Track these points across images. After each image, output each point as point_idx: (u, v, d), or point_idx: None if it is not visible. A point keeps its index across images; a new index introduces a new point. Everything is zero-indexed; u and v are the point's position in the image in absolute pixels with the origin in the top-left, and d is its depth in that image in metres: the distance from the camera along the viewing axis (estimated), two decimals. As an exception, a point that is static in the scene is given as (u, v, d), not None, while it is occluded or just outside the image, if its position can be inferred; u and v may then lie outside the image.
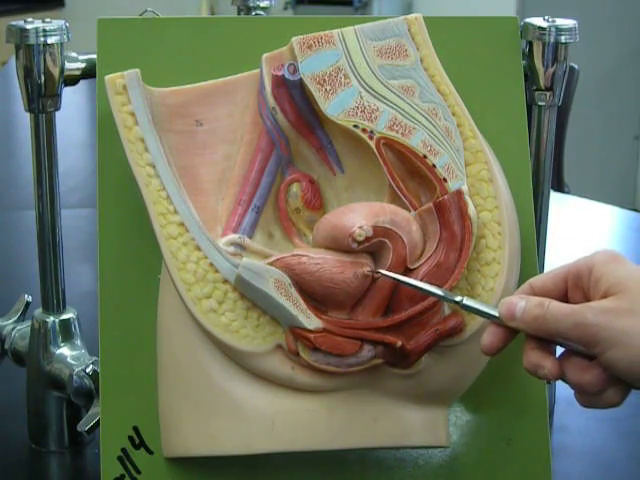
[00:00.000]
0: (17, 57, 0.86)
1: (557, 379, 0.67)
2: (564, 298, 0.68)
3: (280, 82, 0.80)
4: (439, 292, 0.73)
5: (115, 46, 0.83)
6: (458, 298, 0.71)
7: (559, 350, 0.68)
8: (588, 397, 0.66)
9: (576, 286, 0.68)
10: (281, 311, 0.76)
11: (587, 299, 0.67)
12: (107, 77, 0.78)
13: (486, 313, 0.70)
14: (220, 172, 0.81)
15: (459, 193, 0.78)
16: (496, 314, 0.69)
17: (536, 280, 0.70)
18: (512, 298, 0.68)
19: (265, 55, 0.80)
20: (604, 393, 0.66)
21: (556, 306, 0.66)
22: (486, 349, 0.69)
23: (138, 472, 0.81)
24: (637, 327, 0.63)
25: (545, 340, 0.67)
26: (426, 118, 0.79)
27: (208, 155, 0.80)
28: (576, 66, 2.28)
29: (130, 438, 0.81)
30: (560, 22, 0.90)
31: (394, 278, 0.75)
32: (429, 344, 0.77)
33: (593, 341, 0.64)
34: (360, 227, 0.76)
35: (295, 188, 0.81)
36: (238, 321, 0.77)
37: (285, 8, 4.30)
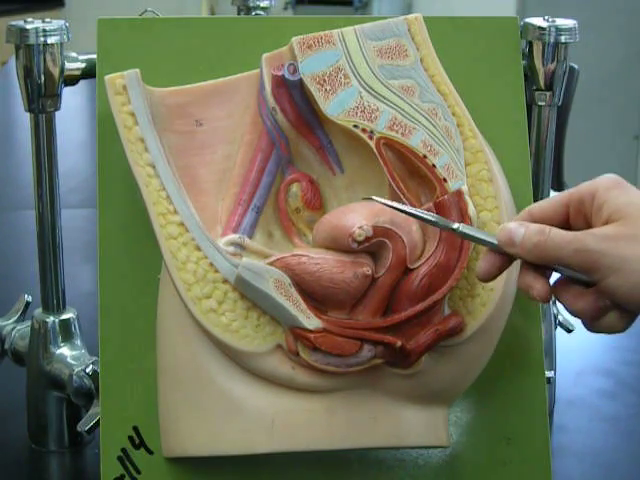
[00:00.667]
0: (17, 57, 0.86)
1: (545, 302, 0.68)
2: (564, 225, 0.68)
3: (280, 82, 0.80)
4: (433, 218, 0.71)
5: (115, 46, 0.83)
6: (455, 225, 0.70)
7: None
8: (589, 322, 0.67)
9: (578, 212, 0.68)
10: (281, 311, 0.76)
11: (589, 226, 0.67)
12: (107, 77, 0.78)
13: (483, 240, 0.69)
14: (220, 172, 0.81)
15: (459, 193, 0.78)
16: (494, 241, 0.68)
17: (534, 207, 0.69)
18: (511, 225, 0.68)
19: (265, 55, 0.80)
20: (603, 319, 0.66)
21: (557, 233, 0.66)
22: (481, 275, 0.69)
23: (138, 472, 0.81)
24: (638, 254, 0.63)
25: (542, 266, 0.67)
26: (426, 118, 0.79)
27: (208, 155, 0.80)
28: (576, 66, 2.28)
29: (130, 438, 0.81)
30: (560, 22, 0.90)
31: (386, 204, 0.73)
32: (429, 344, 0.77)
33: (594, 268, 0.64)
34: (360, 227, 0.76)
35: (295, 188, 0.81)
36: (238, 321, 0.77)
37: (285, 8, 4.30)
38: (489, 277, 0.69)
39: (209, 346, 0.78)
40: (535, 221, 0.68)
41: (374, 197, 0.73)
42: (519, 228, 0.67)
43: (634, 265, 0.63)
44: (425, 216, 0.72)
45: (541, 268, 0.67)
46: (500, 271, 0.69)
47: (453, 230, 0.70)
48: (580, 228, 0.67)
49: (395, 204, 0.73)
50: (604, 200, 0.66)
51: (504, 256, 0.68)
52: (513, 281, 0.79)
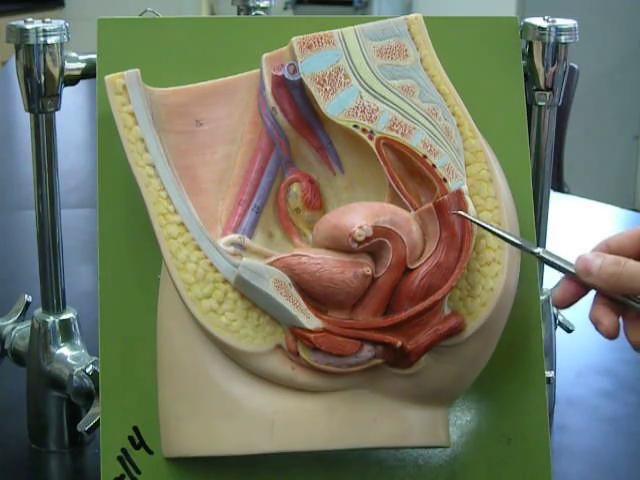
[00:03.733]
0: (17, 57, 0.86)
1: (612, 339, 0.69)
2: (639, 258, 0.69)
3: (280, 82, 0.80)
4: (516, 240, 0.74)
5: (115, 46, 0.83)
6: (536, 250, 0.72)
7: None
8: None
9: None
10: (281, 311, 0.76)
11: None
12: (107, 77, 0.78)
13: (562, 268, 0.71)
14: (220, 172, 0.81)
15: (459, 193, 0.78)
16: (572, 269, 0.70)
17: (611, 239, 0.71)
18: (589, 255, 0.69)
19: (265, 55, 0.80)
20: None
21: (633, 264, 0.67)
22: (558, 302, 0.71)
23: (138, 472, 0.81)
24: None
25: (615, 300, 0.68)
26: (426, 118, 0.79)
27: (208, 155, 0.81)
28: (576, 66, 2.28)
29: (130, 438, 0.81)
30: (560, 22, 0.90)
31: (469, 219, 0.76)
32: (429, 344, 0.77)
33: None
34: (360, 227, 0.76)
35: (295, 188, 0.81)
36: (238, 321, 0.77)
37: (285, 8, 4.30)
38: (564, 304, 0.71)
39: (209, 346, 0.78)
40: (612, 252, 0.69)
41: (461, 212, 0.76)
42: (596, 259, 0.69)
43: None
44: (507, 236, 0.74)
45: (614, 303, 0.68)
46: (576, 299, 0.71)
47: (534, 253, 0.72)
48: None
49: (480, 221, 0.76)
50: None
51: (580, 285, 0.70)
52: (513, 281, 0.79)
